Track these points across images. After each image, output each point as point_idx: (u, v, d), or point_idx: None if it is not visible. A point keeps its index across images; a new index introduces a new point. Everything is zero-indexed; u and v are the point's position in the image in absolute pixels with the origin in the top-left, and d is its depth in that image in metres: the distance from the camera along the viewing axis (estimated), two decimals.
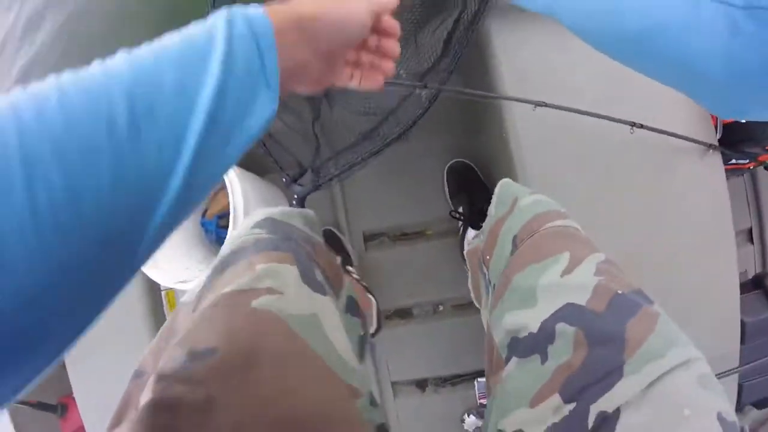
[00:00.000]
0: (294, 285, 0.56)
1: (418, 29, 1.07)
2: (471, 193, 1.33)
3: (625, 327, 0.48)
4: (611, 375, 0.46)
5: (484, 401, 1.35)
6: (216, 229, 1.31)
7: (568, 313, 0.52)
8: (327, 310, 0.58)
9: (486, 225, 0.81)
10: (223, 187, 1.38)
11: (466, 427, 1.35)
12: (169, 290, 1.31)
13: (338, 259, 1.05)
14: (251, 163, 1.30)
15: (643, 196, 1.09)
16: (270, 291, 0.52)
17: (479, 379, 1.35)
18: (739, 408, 1.17)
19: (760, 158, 1.15)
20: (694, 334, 0.98)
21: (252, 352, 0.46)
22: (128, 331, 1.25)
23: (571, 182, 1.09)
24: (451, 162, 1.38)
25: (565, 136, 1.08)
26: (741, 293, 1.08)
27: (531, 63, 1.10)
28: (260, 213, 0.71)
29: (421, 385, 1.41)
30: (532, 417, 0.50)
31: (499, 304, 0.63)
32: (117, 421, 0.45)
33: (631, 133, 1.00)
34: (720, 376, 1.05)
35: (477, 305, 1.06)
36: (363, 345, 0.80)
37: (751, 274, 1.35)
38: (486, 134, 1.29)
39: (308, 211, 0.82)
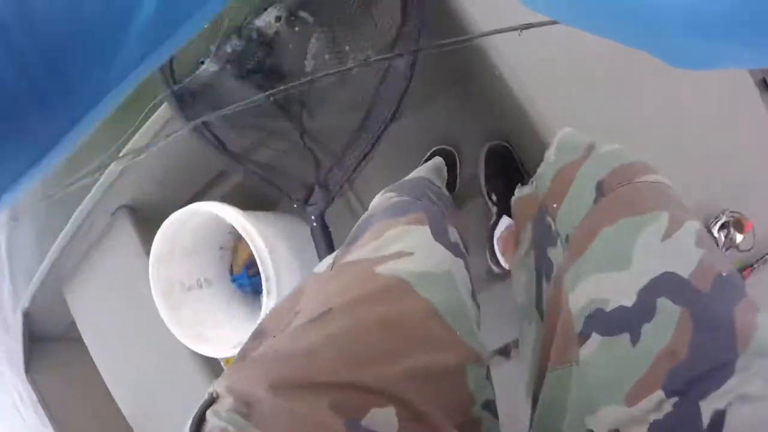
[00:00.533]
0: (426, 243, 0.55)
1: (371, 4, 1.01)
2: (509, 178, 1.25)
3: (734, 314, 0.41)
4: (723, 368, 0.39)
5: None
6: (249, 279, 1.26)
7: (670, 285, 0.44)
8: (460, 271, 0.56)
9: (545, 171, 0.69)
10: (242, 239, 1.33)
11: None
12: (228, 359, 1.27)
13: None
14: (258, 202, 1.25)
15: (665, 84, 1.00)
16: (399, 254, 0.52)
17: None
18: None
19: None
20: (761, 205, 0.94)
21: (363, 316, 0.46)
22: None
23: (584, 98, 1.01)
24: (490, 144, 1.29)
25: (563, 53, 1.00)
26: None
27: None
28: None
29: (505, 351, 1.35)
30: (630, 416, 0.42)
31: (580, 260, 0.52)
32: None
33: None
34: None
35: (503, 261, 0.99)
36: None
37: None
38: (483, 88, 1.21)
39: (441, 163, 0.83)
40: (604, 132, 0.92)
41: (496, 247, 1.23)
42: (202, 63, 0.94)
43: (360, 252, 0.54)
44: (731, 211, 0.95)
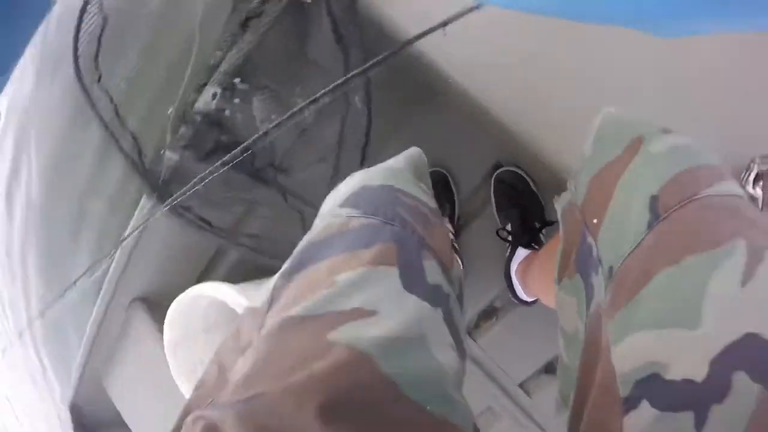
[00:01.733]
0: (394, 296, 0.42)
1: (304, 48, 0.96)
2: (524, 208, 1.15)
3: None
4: None
5: None
6: None
7: (752, 353, 0.34)
8: (437, 326, 0.44)
9: (583, 170, 0.54)
10: None
11: None
12: None
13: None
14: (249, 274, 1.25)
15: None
16: (359, 314, 0.39)
17: None
18: None
19: None
20: None
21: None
22: None
23: (548, 69, 0.89)
24: (499, 171, 1.18)
25: (502, 37, 0.88)
26: None
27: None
28: (352, 181, 0.53)
29: (549, 369, 1.28)
30: None
31: (630, 307, 0.40)
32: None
33: None
34: None
35: (524, 294, 0.85)
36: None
37: None
38: (446, 99, 1.12)
39: (416, 154, 0.61)
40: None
41: (514, 280, 1.15)
42: (163, 153, 0.93)
43: (307, 302, 0.41)
44: (763, 156, 0.78)
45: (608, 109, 0.56)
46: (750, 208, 0.42)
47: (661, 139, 0.47)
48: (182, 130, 0.90)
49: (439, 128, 1.24)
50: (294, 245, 1.04)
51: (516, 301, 1.22)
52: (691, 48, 0.82)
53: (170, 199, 0.95)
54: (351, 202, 0.48)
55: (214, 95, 0.90)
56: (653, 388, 0.36)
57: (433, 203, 0.54)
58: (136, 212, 1.09)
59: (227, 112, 0.93)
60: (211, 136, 0.96)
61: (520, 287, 1.16)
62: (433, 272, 0.46)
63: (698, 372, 0.34)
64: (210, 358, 0.44)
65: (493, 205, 1.20)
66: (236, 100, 0.90)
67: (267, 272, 1.21)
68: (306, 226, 1.06)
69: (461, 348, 0.48)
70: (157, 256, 1.22)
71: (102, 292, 1.23)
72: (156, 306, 1.30)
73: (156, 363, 1.27)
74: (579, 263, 0.52)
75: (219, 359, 0.44)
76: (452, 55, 0.90)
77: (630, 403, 0.37)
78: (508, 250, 1.16)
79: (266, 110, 0.91)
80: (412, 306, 0.42)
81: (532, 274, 1.07)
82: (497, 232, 1.16)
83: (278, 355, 0.38)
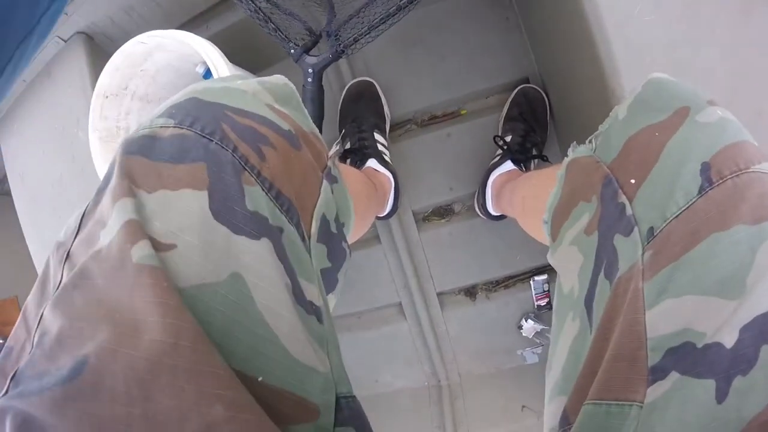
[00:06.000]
0: (196, 226, 0.35)
1: None
2: (530, 129, 1.10)
3: None
4: None
5: (542, 302, 1.18)
6: None
7: None
8: (260, 265, 0.37)
9: (613, 130, 0.52)
10: None
11: (524, 333, 1.19)
12: None
13: (328, 149, 0.69)
14: (248, 58, 1.04)
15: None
16: (155, 243, 0.33)
17: (536, 278, 1.17)
18: None
19: None
20: None
21: (138, 365, 0.30)
22: None
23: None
24: (526, 86, 1.13)
25: None
26: None
27: None
28: (189, 89, 0.44)
29: (471, 292, 1.23)
30: None
31: (672, 268, 0.39)
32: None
33: None
34: None
35: (533, 228, 0.81)
36: (334, 277, 0.56)
37: None
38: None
39: (280, 83, 0.53)
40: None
41: (489, 189, 1.10)
42: None
43: (110, 222, 0.34)
44: None
45: (656, 74, 0.52)
46: None
47: (709, 110, 0.45)
48: None
49: (494, 12, 1.13)
50: (309, 28, 0.87)
51: (479, 211, 1.15)
52: None
53: None
54: (169, 112, 0.40)
55: None
56: (684, 357, 0.36)
57: (289, 126, 0.47)
58: None
59: None
60: None
61: (490, 198, 1.10)
62: (256, 199, 0.39)
63: (730, 338, 0.35)
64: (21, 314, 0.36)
65: (504, 112, 1.16)
66: None
67: (252, 64, 1.01)
68: (335, 14, 0.90)
69: (304, 291, 0.42)
70: None
71: None
72: (100, 49, 1.06)
73: (70, 119, 1.04)
74: (602, 222, 0.48)
75: (26, 319, 0.35)
76: None
77: (658, 372, 0.37)
78: (497, 159, 1.10)
79: None
80: (224, 237, 0.36)
81: (509, 191, 1.01)
82: (494, 138, 1.09)
83: (90, 294, 0.32)
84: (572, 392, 0.45)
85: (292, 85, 0.55)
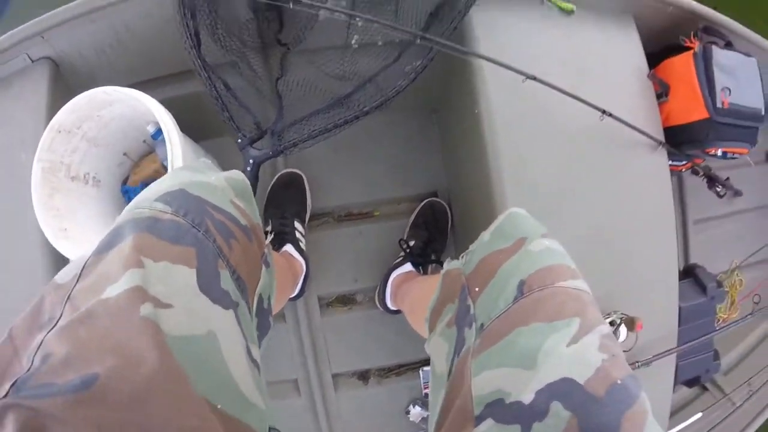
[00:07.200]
0: (189, 294, 0.47)
1: None
2: (432, 237, 1.29)
3: (621, 424, 0.46)
4: None
5: (429, 390, 1.30)
6: None
7: (566, 390, 0.48)
8: (228, 326, 0.50)
9: (477, 250, 0.70)
10: (150, 153, 1.19)
11: (411, 418, 1.30)
12: None
13: (267, 241, 0.85)
14: (190, 127, 1.14)
15: (603, 183, 1.11)
16: (156, 302, 0.44)
17: (424, 368, 1.31)
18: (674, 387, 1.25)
19: (696, 160, 1.23)
20: (641, 315, 1.06)
21: (138, 383, 0.40)
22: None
23: (540, 162, 1.07)
24: (432, 199, 1.33)
25: (537, 116, 1.06)
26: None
27: (509, 48, 1.07)
28: (173, 179, 0.57)
29: (364, 376, 1.33)
30: None
31: (490, 352, 0.55)
32: None
33: (601, 120, 1.02)
34: (663, 355, 1.11)
35: (417, 324, 0.99)
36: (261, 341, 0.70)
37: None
38: (455, 112, 1.24)
39: (239, 179, 0.68)
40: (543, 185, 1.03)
41: (389, 286, 1.24)
42: None
43: (119, 281, 0.44)
44: (623, 313, 1.05)
45: (514, 209, 0.74)
46: (590, 299, 0.58)
47: (538, 241, 0.64)
48: None
49: (420, 134, 1.34)
50: (257, 123, 1.00)
51: (378, 304, 1.29)
52: None
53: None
54: (165, 199, 0.53)
55: None
56: (496, 408, 0.51)
57: (246, 222, 0.62)
58: None
59: None
60: None
61: (389, 294, 1.24)
62: (225, 280, 0.53)
63: (527, 398, 0.49)
64: (4, 337, 0.44)
65: (411, 219, 1.33)
66: None
67: (192, 134, 1.12)
68: (282, 117, 1.04)
69: (251, 351, 0.55)
70: (111, 31, 1.04)
71: (21, 27, 1.01)
72: (62, 80, 1.09)
73: (16, 138, 1.06)
74: (457, 318, 0.67)
75: (13, 340, 0.44)
76: (497, 98, 1.04)
77: (479, 419, 0.52)
78: (399, 259, 1.26)
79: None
80: (205, 306, 0.48)
81: (404, 290, 1.17)
82: (400, 241, 1.26)
83: (100, 329, 0.42)
84: None
85: (247, 180, 0.70)
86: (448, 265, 0.77)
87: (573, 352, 0.50)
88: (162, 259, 0.47)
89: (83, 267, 0.47)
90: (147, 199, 0.52)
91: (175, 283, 0.46)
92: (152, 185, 0.56)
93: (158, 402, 0.40)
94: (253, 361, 0.54)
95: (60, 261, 1.00)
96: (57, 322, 0.43)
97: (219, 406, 0.44)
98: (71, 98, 0.95)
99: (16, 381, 0.39)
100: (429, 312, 0.76)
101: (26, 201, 0.94)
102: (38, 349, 0.41)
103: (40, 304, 0.46)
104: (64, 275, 0.48)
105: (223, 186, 0.61)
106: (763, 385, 1.49)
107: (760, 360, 1.57)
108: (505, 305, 0.57)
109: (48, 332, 0.42)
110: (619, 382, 0.48)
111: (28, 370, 0.40)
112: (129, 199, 1.12)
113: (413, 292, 1.11)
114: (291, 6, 0.83)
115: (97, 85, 0.95)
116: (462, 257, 0.74)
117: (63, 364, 0.39)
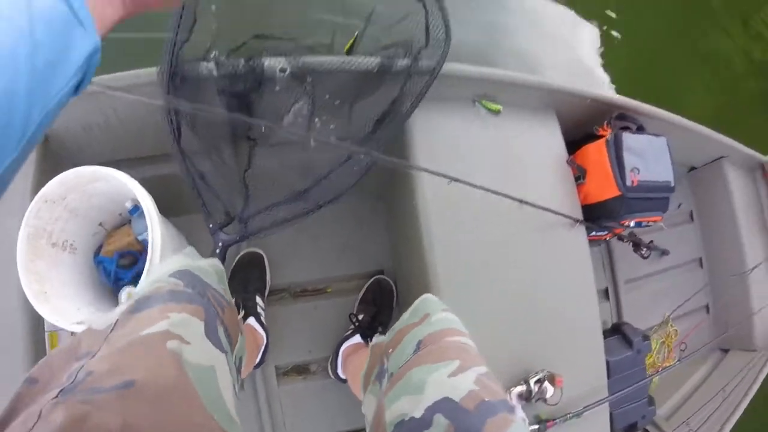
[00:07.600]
0: (199, 338, 0.66)
1: (354, 101, 1.20)
2: (379, 311, 1.44)
3: (485, 426, 0.61)
4: None
5: None
6: (115, 268, 1.22)
7: (446, 406, 0.64)
8: (222, 365, 0.68)
9: (396, 326, 0.92)
10: (124, 224, 1.30)
11: None
12: (53, 332, 1.15)
13: (240, 315, 1.04)
14: (163, 203, 1.27)
15: (526, 259, 1.29)
16: (180, 339, 0.61)
17: None
18: None
19: (616, 231, 1.44)
20: (570, 372, 1.19)
21: (163, 388, 0.55)
22: (5, 374, 1.07)
23: (467, 244, 1.26)
24: (382, 277, 1.50)
25: (465, 206, 1.26)
26: (604, 338, 1.31)
27: (443, 148, 1.28)
28: (177, 262, 0.80)
29: None
30: None
31: (395, 388, 0.73)
32: (4, 423, 0.50)
33: (519, 208, 1.21)
34: (593, 405, 1.24)
35: (356, 390, 1.14)
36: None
37: (609, 324, 1.68)
38: (397, 204, 1.43)
39: (220, 267, 0.92)
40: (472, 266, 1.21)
41: (340, 356, 1.36)
42: (207, 55, 1.05)
43: (151, 327, 0.61)
44: (548, 370, 1.19)
45: (427, 294, 0.96)
46: (473, 349, 0.77)
47: (438, 315, 0.86)
48: (238, 61, 1.05)
49: (369, 218, 1.51)
50: (226, 210, 1.14)
51: (331, 373, 1.38)
52: None
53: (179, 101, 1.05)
54: (177, 276, 0.75)
55: (283, 70, 1.07)
56: (401, 427, 0.67)
57: (227, 297, 0.85)
58: (134, 71, 1.13)
59: (274, 85, 1.10)
60: (247, 85, 1.10)
61: (340, 363, 1.35)
62: (221, 334, 0.73)
63: (419, 414, 0.65)
64: (40, 363, 0.60)
65: (360, 295, 1.47)
66: (289, 86, 1.06)
67: (164, 211, 1.24)
68: (247, 207, 1.18)
69: (236, 387, 0.75)
70: (101, 115, 1.17)
71: None
72: (49, 152, 1.20)
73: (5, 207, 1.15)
74: (378, 375, 0.90)
75: (50, 365, 0.59)
76: (431, 195, 1.23)
77: None
78: (349, 332, 1.38)
79: (301, 111, 1.08)
80: (209, 348, 0.68)
81: (352, 360, 1.29)
82: (350, 315, 1.39)
83: (137, 352, 0.58)
84: None
85: (223, 268, 0.95)
86: (377, 339, 1.04)
87: (452, 381, 0.68)
88: (182, 312, 0.65)
89: (116, 321, 0.63)
90: (163, 275, 0.75)
91: (192, 329, 0.65)
92: (162, 266, 0.80)
93: (177, 402, 0.55)
94: (237, 393, 0.73)
95: (33, 327, 1.09)
96: (96, 354, 0.57)
97: (215, 417, 0.59)
98: (57, 169, 1.07)
99: (63, 389, 0.51)
100: (362, 378, 0.99)
101: (9, 264, 1.03)
102: (80, 370, 0.53)
103: (77, 343, 0.61)
104: (97, 325, 0.64)
105: (212, 271, 0.85)
106: (701, 425, 1.63)
107: (699, 402, 1.73)
108: (407, 358, 0.78)
109: (88, 359, 0.55)
110: (486, 400, 0.64)
111: (71, 382, 0.51)
112: (104, 269, 1.22)
113: (355, 361, 1.24)
114: (263, 130, 1.01)
115: (83, 158, 1.06)
116: (387, 333, 0.95)
117: (107, 374, 0.52)
